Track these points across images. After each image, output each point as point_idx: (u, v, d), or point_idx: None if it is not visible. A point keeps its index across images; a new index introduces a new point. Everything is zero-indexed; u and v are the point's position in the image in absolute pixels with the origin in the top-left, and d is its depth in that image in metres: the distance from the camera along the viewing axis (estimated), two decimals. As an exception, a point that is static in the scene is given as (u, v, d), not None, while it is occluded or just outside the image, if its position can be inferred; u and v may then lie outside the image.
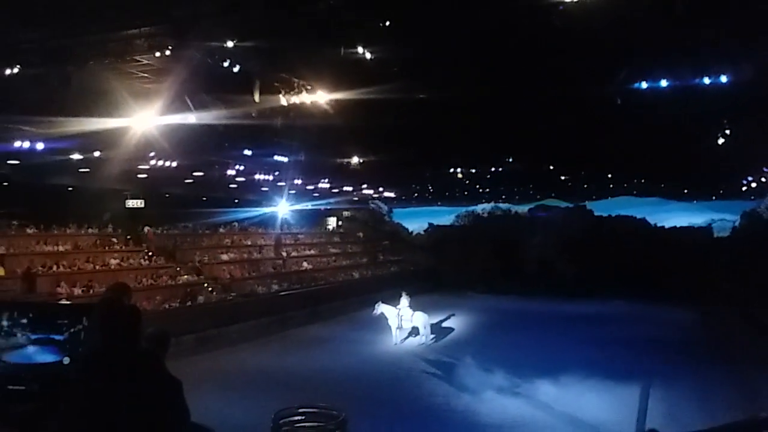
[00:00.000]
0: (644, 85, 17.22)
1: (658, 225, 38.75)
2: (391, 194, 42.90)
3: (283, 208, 33.99)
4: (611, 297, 28.00)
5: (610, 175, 39.21)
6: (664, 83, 16.96)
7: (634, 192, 45.29)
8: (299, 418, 5.14)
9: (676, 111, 19.10)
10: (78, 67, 14.62)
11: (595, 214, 39.11)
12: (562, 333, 21.06)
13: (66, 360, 1.63)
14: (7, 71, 14.14)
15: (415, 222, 44.56)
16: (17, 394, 1.62)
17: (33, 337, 1.64)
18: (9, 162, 21.45)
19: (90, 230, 24.34)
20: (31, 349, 1.63)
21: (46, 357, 1.63)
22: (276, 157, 26.00)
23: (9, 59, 14.04)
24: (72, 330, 1.66)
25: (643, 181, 41.58)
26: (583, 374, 14.77)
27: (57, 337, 1.65)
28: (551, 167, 34.77)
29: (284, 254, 32.49)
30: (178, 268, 24.83)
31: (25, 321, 1.66)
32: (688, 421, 10.61)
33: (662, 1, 12.75)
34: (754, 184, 34.17)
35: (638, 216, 39.06)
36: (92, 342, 1.66)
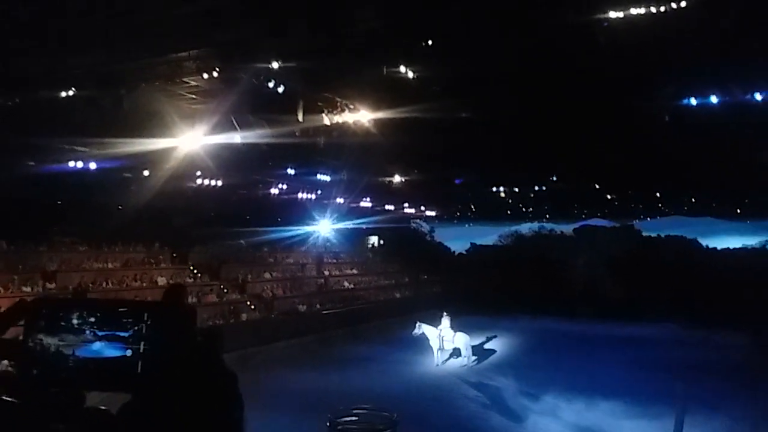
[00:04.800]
0: (693, 101, 16.87)
1: (710, 246, 37.55)
2: (433, 213, 42.75)
3: (325, 227, 34.22)
4: (660, 320, 27.08)
5: (658, 194, 38.32)
6: (714, 99, 16.58)
7: (685, 211, 44.07)
8: (353, 418, 5.31)
9: (726, 127, 18.58)
10: (130, 90, 15.11)
11: (643, 234, 38.18)
12: (607, 356, 20.45)
13: (129, 353, 1.76)
14: (63, 94, 14.71)
15: (458, 242, 44.18)
16: (87, 385, 1.80)
17: (100, 333, 1.77)
18: (63, 181, 22.18)
19: (138, 248, 24.94)
20: (98, 344, 1.77)
21: (112, 352, 1.76)
22: (319, 176, 26.29)
23: (64, 83, 14.60)
24: (136, 327, 1.79)
25: (693, 200, 40.47)
26: (625, 399, 14.48)
27: (122, 334, 1.78)
28: (597, 186, 34.17)
29: (326, 273, 32.65)
30: (221, 286, 25.20)
31: (93, 319, 1.79)
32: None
33: (711, 17, 12.49)
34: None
35: (688, 236, 37.99)
36: (154, 337, 1.81)
